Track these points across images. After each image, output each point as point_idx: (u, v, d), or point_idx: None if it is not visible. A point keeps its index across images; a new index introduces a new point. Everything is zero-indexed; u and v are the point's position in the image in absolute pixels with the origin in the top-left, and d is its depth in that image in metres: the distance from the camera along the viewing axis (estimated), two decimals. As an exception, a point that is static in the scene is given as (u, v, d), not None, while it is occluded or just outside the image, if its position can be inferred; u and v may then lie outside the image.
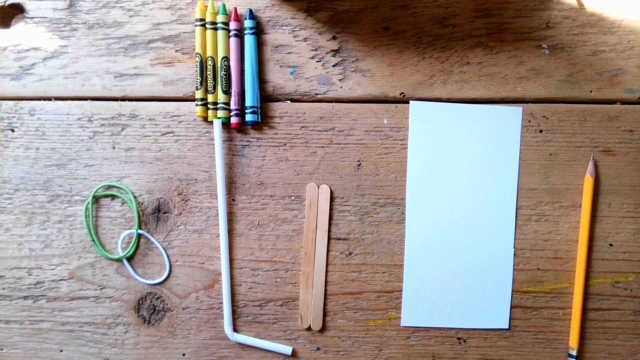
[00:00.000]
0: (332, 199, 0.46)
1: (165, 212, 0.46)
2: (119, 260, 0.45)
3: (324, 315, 0.46)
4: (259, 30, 0.45)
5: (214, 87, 0.45)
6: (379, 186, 0.46)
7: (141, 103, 0.46)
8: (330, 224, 0.46)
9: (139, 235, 0.45)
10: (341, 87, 0.45)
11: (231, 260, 0.46)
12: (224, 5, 0.44)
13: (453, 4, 0.45)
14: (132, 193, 0.45)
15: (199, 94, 0.45)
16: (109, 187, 0.46)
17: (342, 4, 0.45)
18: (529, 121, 0.45)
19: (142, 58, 0.46)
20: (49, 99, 0.46)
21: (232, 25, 0.44)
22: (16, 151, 0.46)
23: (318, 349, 0.46)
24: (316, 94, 0.46)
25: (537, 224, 0.45)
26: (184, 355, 0.46)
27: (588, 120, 0.45)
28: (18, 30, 0.46)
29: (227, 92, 0.45)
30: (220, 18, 0.44)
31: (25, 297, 0.46)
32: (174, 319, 0.46)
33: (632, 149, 0.45)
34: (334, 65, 0.45)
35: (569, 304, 0.45)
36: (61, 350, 0.46)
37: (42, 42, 0.46)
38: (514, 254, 0.45)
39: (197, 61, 0.44)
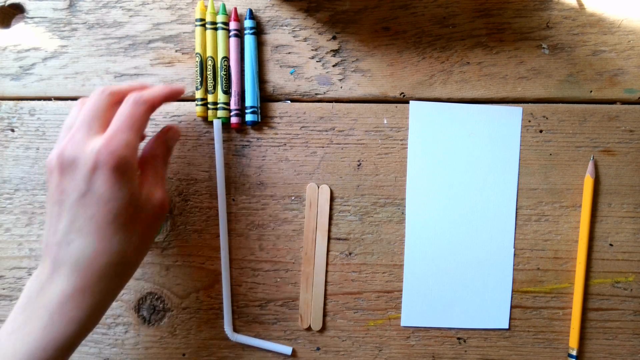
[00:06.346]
0: (332, 199, 0.46)
1: (165, 212, 0.46)
2: None
3: (324, 315, 0.46)
4: (259, 30, 0.45)
5: (214, 87, 0.45)
6: (379, 186, 0.46)
7: (141, 103, 0.46)
8: (330, 224, 0.46)
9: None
10: (341, 87, 0.45)
11: (231, 260, 0.46)
12: (224, 5, 0.44)
13: (453, 4, 0.45)
14: None
15: (199, 94, 0.45)
16: None
17: (342, 4, 0.45)
18: (529, 121, 0.45)
19: (142, 58, 0.46)
20: (49, 99, 0.46)
21: (232, 25, 0.44)
22: (16, 151, 0.46)
23: (318, 349, 0.46)
24: (316, 94, 0.46)
25: (537, 224, 0.45)
26: (184, 355, 0.46)
27: (588, 120, 0.45)
28: (18, 30, 0.46)
29: (227, 92, 0.45)
30: (220, 18, 0.44)
31: (25, 297, 0.46)
32: (174, 319, 0.46)
33: (632, 149, 0.45)
34: (334, 65, 0.45)
35: (569, 304, 0.45)
36: (61, 350, 0.46)
37: (42, 42, 0.46)
38: (514, 254, 0.45)
39: (197, 61, 0.44)
